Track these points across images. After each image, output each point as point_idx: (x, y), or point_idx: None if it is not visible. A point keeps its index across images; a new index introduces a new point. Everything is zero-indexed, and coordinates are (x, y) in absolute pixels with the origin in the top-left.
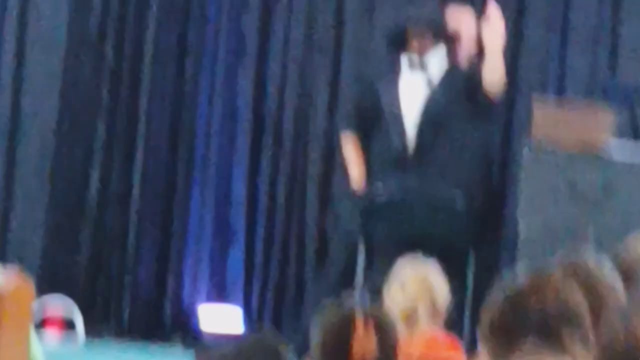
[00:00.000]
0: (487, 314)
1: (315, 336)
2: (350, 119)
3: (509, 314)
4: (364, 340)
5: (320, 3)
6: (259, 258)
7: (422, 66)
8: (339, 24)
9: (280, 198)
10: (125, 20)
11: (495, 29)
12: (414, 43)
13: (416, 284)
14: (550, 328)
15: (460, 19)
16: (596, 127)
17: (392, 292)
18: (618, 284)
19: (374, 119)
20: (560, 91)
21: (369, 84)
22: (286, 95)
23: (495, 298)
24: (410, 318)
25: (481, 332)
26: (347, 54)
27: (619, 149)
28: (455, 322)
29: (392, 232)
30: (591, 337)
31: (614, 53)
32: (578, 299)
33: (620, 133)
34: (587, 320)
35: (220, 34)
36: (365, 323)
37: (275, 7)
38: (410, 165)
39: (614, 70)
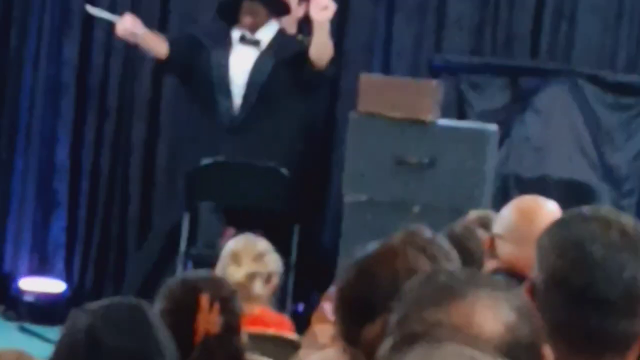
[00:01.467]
0: (339, 286)
1: (158, 311)
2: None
3: (360, 284)
4: (208, 315)
5: None
6: (81, 228)
7: (254, 43)
8: None
9: (104, 168)
10: None
11: (322, 2)
12: (247, 19)
13: (251, 259)
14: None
15: None
16: (422, 98)
17: (225, 266)
18: (454, 254)
19: (201, 78)
20: (386, 66)
21: (199, 45)
22: (111, 65)
23: (346, 270)
24: (245, 293)
25: (334, 304)
26: (174, 22)
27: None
28: (279, 296)
29: (216, 200)
30: None
31: (439, 28)
32: (425, 267)
33: (446, 114)
34: None
35: (46, 2)
36: (210, 298)
37: None
38: (235, 133)
39: (439, 46)
